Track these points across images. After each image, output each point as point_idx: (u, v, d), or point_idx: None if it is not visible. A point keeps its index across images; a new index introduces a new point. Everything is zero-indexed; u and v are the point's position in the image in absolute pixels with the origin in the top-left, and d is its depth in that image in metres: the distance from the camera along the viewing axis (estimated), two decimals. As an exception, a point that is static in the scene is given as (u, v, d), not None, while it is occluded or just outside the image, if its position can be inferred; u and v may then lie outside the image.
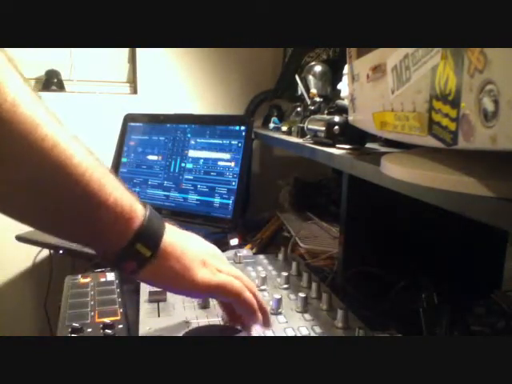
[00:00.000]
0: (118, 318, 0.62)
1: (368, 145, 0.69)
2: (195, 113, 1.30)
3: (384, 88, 0.46)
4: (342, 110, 0.74)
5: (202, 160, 1.18)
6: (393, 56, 0.43)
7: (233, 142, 1.14)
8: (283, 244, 0.97)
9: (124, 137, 1.31)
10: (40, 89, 1.25)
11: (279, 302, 0.62)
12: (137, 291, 0.70)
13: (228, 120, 1.19)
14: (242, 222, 1.13)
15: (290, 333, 0.57)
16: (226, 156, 1.14)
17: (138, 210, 0.47)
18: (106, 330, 0.59)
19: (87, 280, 0.74)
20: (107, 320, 0.60)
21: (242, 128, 1.14)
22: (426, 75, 0.37)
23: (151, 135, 1.27)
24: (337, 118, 0.70)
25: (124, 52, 1.34)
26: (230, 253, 0.90)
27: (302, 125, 0.88)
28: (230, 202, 1.11)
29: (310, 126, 0.79)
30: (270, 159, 1.42)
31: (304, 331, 0.58)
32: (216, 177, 1.14)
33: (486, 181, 0.33)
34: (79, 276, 0.76)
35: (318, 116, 0.81)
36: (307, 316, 0.62)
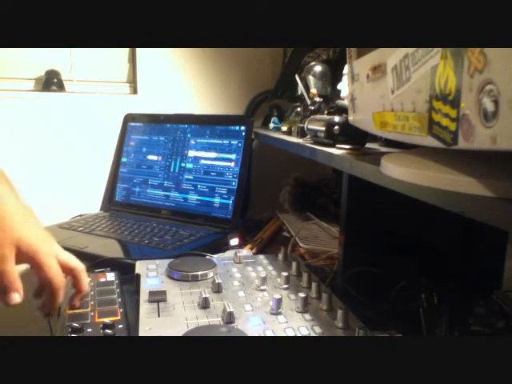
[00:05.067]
0: (118, 318, 0.62)
1: (368, 145, 0.69)
2: (195, 113, 1.30)
3: (384, 88, 0.46)
4: (342, 110, 0.75)
5: (201, 160, 1.18)
6: (393, 56, 0.43)
7: (233, 142, 1.14)
8: (283, 244, 0.97)
9: (124, 137, 1.31)
10: (40, 89, 1.25)
11: (279, 301, 0.62)
12: (137, 291, 0.70)
13: (228, 120, 1.19)
14: (241, 222, 1.13)
15: (290, 333, 0.57)
16: (226, 156, 1.14)
17: None
18: (106, 330, 0.59)
19: (87, 280, 0.74)
20: (107, 320, 0.60)
21: (242, 128, 1.14)
22: (426, 75, 0.37)
23: (151, 135, 1.27)
24: (337, 118, 0.70)
25: (124, 52, 1.34)
26: (230, 253, 0.90)
27: (301, 125, 0.88)
28: (230, 202, 1.11)
29: (310, 126, 0.79)
30: (270, 159, 1.42)
31: (304, 331, 0.58)
32: (216, 177, 1.14)
33: (486, 181, 0.33)
34: (79, 276, 0.76)
35: (318, 116, 0.81)
36: (307, 316, 0.62)
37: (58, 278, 0.59)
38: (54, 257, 0.60)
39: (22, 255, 0.57)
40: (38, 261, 0.58)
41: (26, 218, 0.60)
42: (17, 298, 0.55)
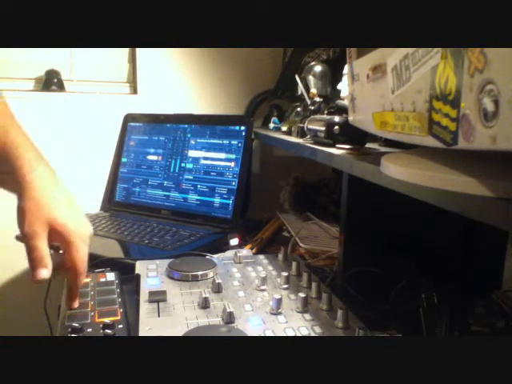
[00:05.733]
0: (118, 318, 0.62)
1: (368, 145, 0.69)
2: (195, 113, 1.30)
3: (384, 88, 0.46)
4: (342, 110, 0.74)
5: (201, 160, 1.18)
6: (393, 56, 0.43)
7: (233, 142, 1.14)
8: (283, 244, 0.97)
9: (124, 137, 1.31)
10: (40, 89, 1.25)
11: (279, 301, 0.62)
12: (137, 291, 0.70)
13: (228, 120, 1.19)
14: (241, 222, 1.13)
15: (290, 333, 0.57)
16: (226, 156, 1.14)
17: None
18: (106, 330, 0.59)
19: (87, 280, 0.74)
20: (107, 320, 0.60)
21: (242, 128, 1.14)
22: (426, 75, 0.37)
23: (151, 135, 1.27)
24: (337, 118, 0.70)
25: (124, 52, 1.34)
26: (230, 253, 0.90)
27: (302, 125, 0.88)
28: (230, 202, 1.11)
29: (310, 126, 0.79)
30: (270, 159, 1.42)
31: (304, 331, 0.58)
32: (216, 177, 1.14)
33: (486, 181, 0.33)
34: (79, 276, 0.76)
35: (318, 116, 0.81)
36: (307, 316, 0.62)
37: (83, 264, 0.61)
38: (85, 243, 0.62)
39: (56, 234, 0.60)
40: (69, 242, 0.60)
41: (66, 201, 0.63)
42: (45, 273, 0.57)
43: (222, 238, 1.03)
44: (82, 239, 0.62)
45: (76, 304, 0.65)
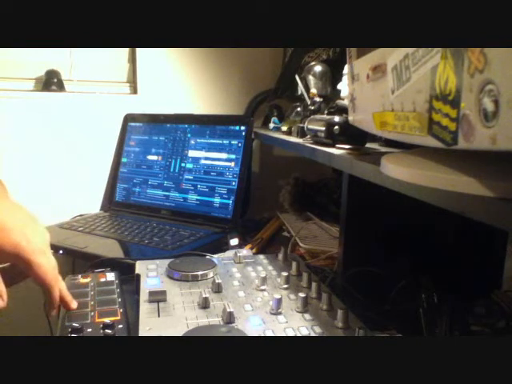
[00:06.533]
0: (118, 318, 0.62)
1: (368, 145, 0.69)
2: (195, 113, 1.30)
3: (384, 88, 0.46)
4: (342, 110, 0.74)
5: (201, 160, 1.18)
6: (393, 56, 0.43)
7: (233, 142, 1.14)
8: (283, 244, 0.97)
9: (124, 137, 1.31)
10: (40, 89, 1.25)
11: (279, 302, 0.62)
12: (137, 291, 0.70)
13: (228, 120, 1.19)
14: (241, 222, 1.13)
15: (290, 333, 0.57)
16: (226, 156, 1.14)
17: None
18: (106, 330, 0.59)
19: (87, 280, 0.74)
20: (107, 320, 0.60)
21: (242, 128, 1.14)
22: (426, 75, 0.37)
23: (151, 135, 1.27)
24: (337, 118, 0.70)
25: (124, 52, 1.34)
26: (230, 253, 0.90)
27: (301, 125, 0.88)
28: (230, 201, 1.11)
29: (309, 126, 0.79)
30: (270, 159, 1.42)
31: (304, 331, 0.58)
32: (216, 177, 1.14)
33: (486, 181, 0.33)
34: (79, 276, 0.76)
35: (318, 116, 0.81)
36: (307, 316, 0.62)
37: (50, 276, 0.57)
38: (43, 253, 0.57)
39: (7, 255, 0.55)
40: (25, 261, 0.55)
41: (10, 214, 0.58)
42: None
43: (221, 238, 1.03)
44: (40, 252, 0.57)
45: (54, 312, 0.61)
